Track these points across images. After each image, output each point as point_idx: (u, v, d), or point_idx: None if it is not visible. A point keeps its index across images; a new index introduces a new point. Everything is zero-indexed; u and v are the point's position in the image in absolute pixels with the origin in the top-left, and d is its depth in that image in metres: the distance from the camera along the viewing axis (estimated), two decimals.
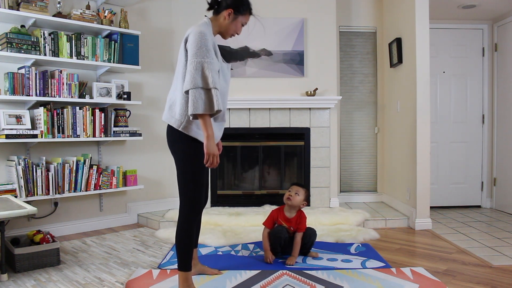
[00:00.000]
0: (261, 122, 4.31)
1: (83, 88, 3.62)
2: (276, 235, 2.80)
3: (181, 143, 2.13)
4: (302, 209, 2.90)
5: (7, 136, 3.10)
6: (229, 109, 4.26)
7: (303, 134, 4.34)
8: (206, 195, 2.34)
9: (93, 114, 3.61)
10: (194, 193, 2.16)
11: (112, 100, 3.70)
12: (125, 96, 3.83)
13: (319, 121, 4.33)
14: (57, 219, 3.60)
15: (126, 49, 3.81)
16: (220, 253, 3.00)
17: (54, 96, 3.37)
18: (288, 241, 2.82)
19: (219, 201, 4.34)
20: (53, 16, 3.40)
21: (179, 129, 2.10)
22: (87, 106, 3.57)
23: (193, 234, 2.19)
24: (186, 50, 2.09)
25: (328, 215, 3.86)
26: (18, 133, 3.16)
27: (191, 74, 1.99)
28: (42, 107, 3.30)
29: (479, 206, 4.74)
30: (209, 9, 2.26)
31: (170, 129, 2.18)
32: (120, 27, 3.82)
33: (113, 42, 3.73)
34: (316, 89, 4.22)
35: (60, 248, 2.86)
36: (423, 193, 3.73)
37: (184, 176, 2.15)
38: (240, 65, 4.30)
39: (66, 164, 3.45)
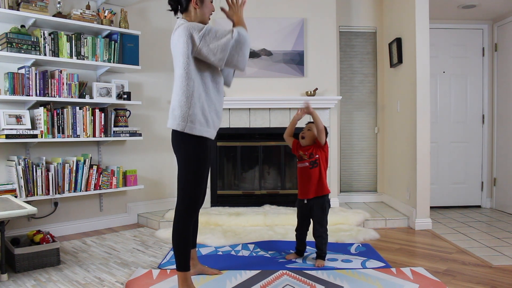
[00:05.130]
0: (261, 122, 4.31)
1: (83, 88, 3.62)
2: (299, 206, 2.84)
3: (185, 145, 2.15)
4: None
5: (7, 136, 3.10)
6: (229, 109, 4.26)
7: None
8: (203, 197, 2.35)
9: (93, 114, 3.61)
10: (192, 194, 2.17)
11: (112, 100, 3.70)
12: (125, 96, 3.83)
13: None
14: (57, 219, 3.60)
15: (126, 49, 3.81)
16: (220, 253, 3.00)
17: (54, 96, 3.37)
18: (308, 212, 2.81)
19: (219, 201, 4.34)
20: (53, 16, 3.41)
21: (184, 132, 2.10)
22: (87, 106, 3.57)
23: (190, 233, 2.19)
24: (185, 45, 2.09)
25: (328, 215, 3.85)
26: (18, 133, 3.16)
27: (217, 47, 2.06)
28: (42, 107, 3.30)
29: (479, 206, 4.74)
30: (175, 13, 2.27)
31: (174, 134, 2.19)
32: (120, 27, 3.82)
33: (113, 42, 3.73)
34: (316, 89, 4.22)
35: (60, 248, 2.86)
36: (423, 193, 3.73)
37: (185, 176, 2.16)
38: None
39: (66, 164, 3.45)
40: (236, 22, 2.22)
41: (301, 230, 2.86)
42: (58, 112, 3.39)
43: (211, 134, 2.21)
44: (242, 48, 2.09)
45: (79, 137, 3.51)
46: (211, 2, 2.28)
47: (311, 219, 2.83)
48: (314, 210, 2.76)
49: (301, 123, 2.95)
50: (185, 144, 2.14)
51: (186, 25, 2.10)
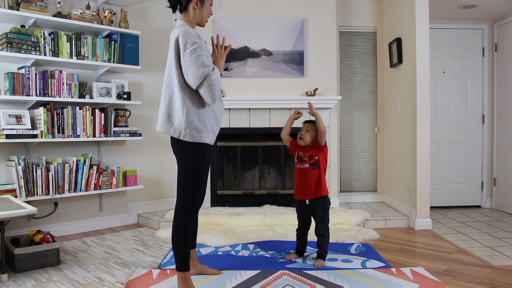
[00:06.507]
0: (261, 122, 4.31)
1: (83, 88, 3.62)
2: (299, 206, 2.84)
3: (183, 150, 2.16)
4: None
5: (7, 136, 3.10)
6: (229, 109, 4.26)
7: None
8: (203, 197, 2.34)
9: (93, 114, 3.61)
10: (192, 194, 2.17)
11: (112, 100, 3.70)
12: (125, 96, 3.83)
13: None
14: (57, 219, 3.60)
15: (126, 49, 3.81)
16: (220, 253, 3.00)
17: (54, 96, 3.37)
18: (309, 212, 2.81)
19: (219, 201, 4.34)
20: (53, 16, 3.41)
21: (180, 139, 2.11)
22: (87, 106, 3.57)
23: (189, 234, 2.19)
24: (176, 55, 2.11)
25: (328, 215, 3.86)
26: (18, 133, 3.16)
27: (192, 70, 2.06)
28: (42, 107, 3.30)
29: (479, 206, 4.74)
30: (174, 11, 2.28)
31: (173, 137, 2.19)
32: (120, 27, 3.82)
33: (113, 42, 3.73)
34: (316, 89, 4.22)
35: (60, 248, 2.86)
36: (423, 193, 3.73)
37: (185, 177, 2.17)
38: (240, 65, 4.30)
39: (66, 164, 3.45)
40: (216, 65, 2.25)
41: (302, 231, 2.87)
42: (58, 112, 3.39)
43: (210, 139, 2.20)
44: (211, 89, 2.08)
45: (79, 137, 3.51)
46: (211, 5, 2.29)
47: (312, 219, 2.83)
48: (316, 210, 2.76)
49: (298, 123, 2.94)
50: (183, 148, 2.15)
51: (181, 33, 2.09)
